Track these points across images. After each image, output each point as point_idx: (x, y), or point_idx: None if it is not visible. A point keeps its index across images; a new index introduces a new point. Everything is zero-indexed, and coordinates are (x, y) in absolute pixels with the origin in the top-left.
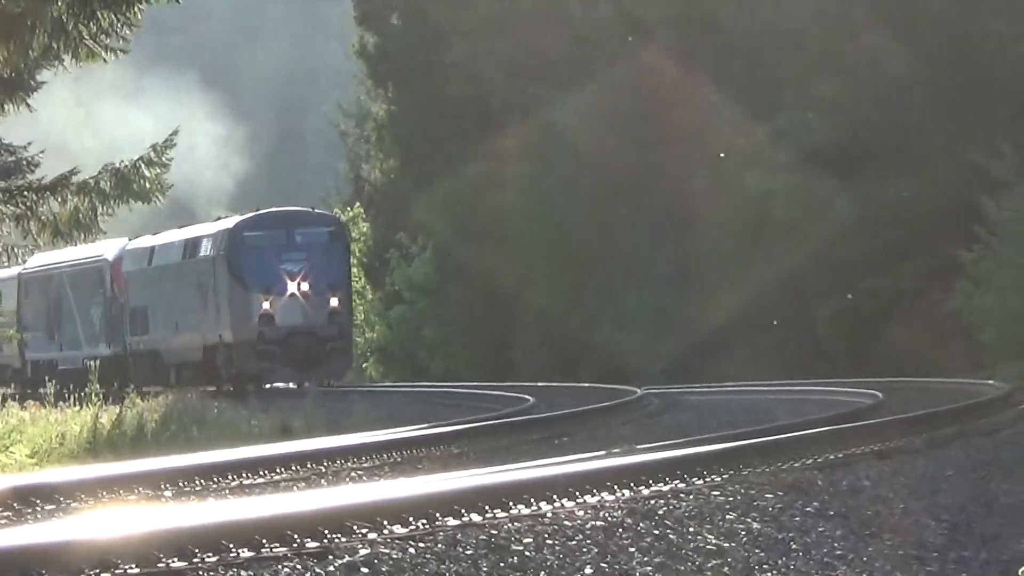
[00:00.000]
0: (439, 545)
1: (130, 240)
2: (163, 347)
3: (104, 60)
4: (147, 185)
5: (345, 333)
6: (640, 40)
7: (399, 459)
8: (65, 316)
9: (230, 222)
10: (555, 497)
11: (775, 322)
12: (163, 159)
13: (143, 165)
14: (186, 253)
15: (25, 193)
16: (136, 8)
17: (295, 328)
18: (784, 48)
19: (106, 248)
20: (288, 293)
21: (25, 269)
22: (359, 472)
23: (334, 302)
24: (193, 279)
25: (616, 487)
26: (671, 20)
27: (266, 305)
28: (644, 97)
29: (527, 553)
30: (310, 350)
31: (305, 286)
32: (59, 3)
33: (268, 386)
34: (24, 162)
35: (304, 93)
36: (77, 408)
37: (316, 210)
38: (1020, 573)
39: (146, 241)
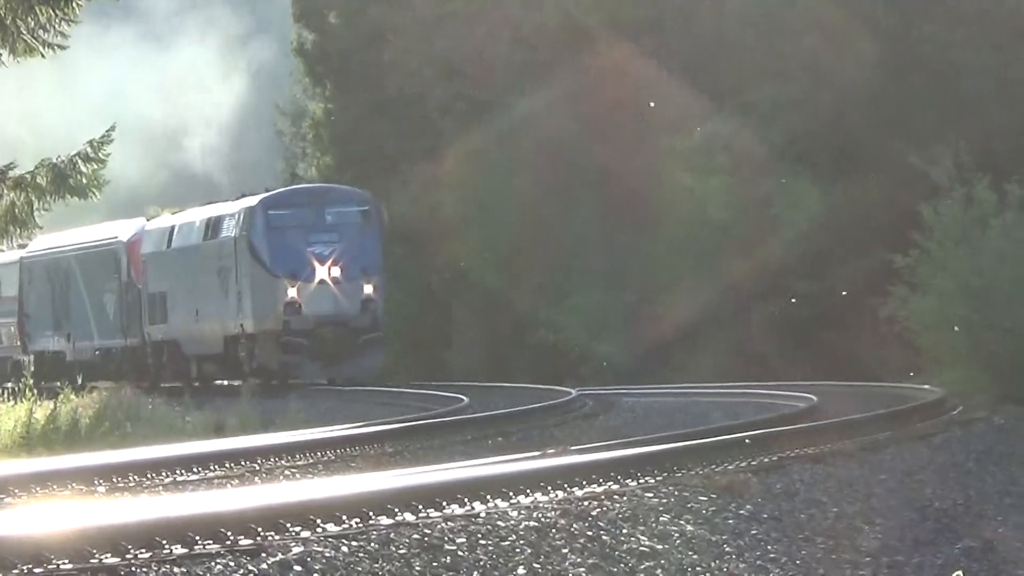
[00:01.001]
0: (372, 544)
1: (148, 220)
2: (183, 337)
3: (42, 55)
4: (84, 181)
5: (380, 324)
6: (582, 44)
7: (333, 458)
8: (75, 304)
9: (253, 199)
10: (488, 497)
11: (711, 325)
12: (100, 155)
13: (80, 161)
14: (207, 233)
15: None
16: (74, 4)
17: (324, 318)
18: (723, 53)
19: (121, 229)
20: (317, 279)
21: (28, 253)
22: (293, 470)
23: (368, 289)
24: (214, 262)
25: (549, 488)
26: (613, 24)
27: (292, 292)
28: (584, 99)
29: (460, 553)
30: (341, 343)
31: (336, 271)
32: None
33: (295, 382)
34: None
35: (250, 89)
36: (11, 403)
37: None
38: None
39: (165, 221)
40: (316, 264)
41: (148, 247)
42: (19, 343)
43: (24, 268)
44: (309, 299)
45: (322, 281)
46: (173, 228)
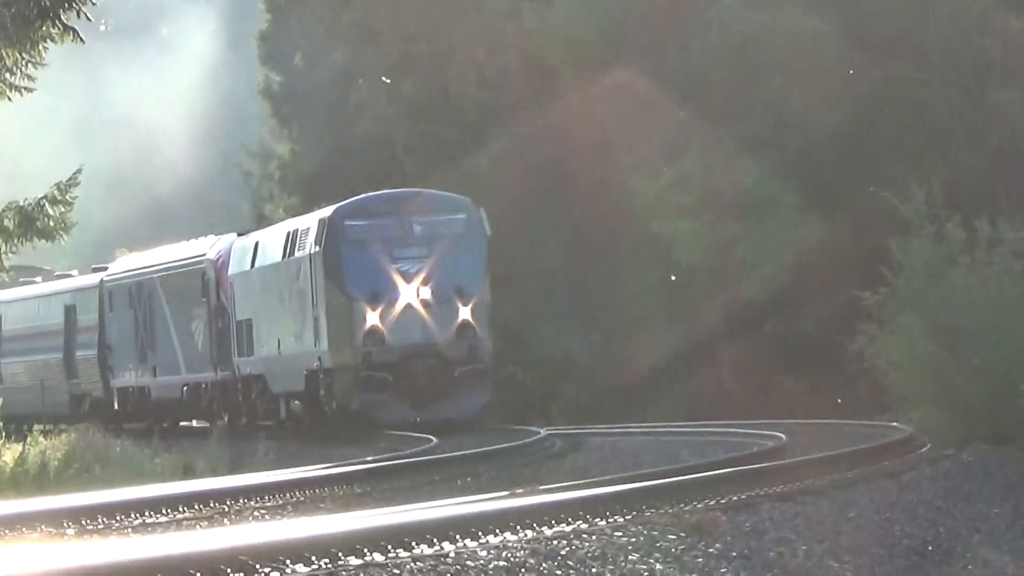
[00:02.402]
0: None
1: (239, 235)
2: (268, 372)
3: (8, 98)
4: (51, 223)
5: (481, 354)
6: (546, 84)
7: (302, 498)
8: (160, 333)
9: (329, 208)
10: (458, 537)
11: (679, 364)
12: (67, 197)
13: (47, 203)
14: (286, 250)
15: None
16: (41, 47)
17: (412, 348)
18: (691, 92)
19: (209, 246)
20: (402, 301)
21: (109, 275)
22: (262, 511)
23: (465, 312)
24: (293, 284)
25: (519, 527)
26: (578, 65)
27: (372, 318)
28: (550, 140)
29: None
30: (432, 377)
31: (426, 291)
32: None
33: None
34: None
35: (217, 130)
36: None
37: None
38: None
39: (253, 236)
40: (401, 284)
41: (235, 267)
42: (100, 378)
43: (104, 293)
44: (393, 326)
45: (409, 304)
46: (257, 245)
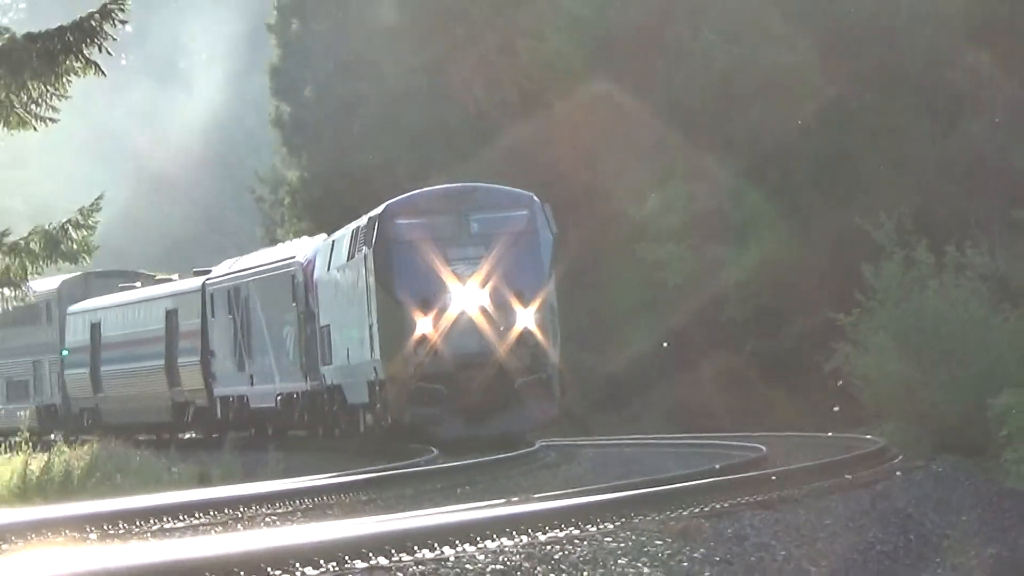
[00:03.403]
0: None
1: (327, 235)
2: (344, 383)
3: (34, 128)
4: (74, 246)
5: (543, 364)
6: (539, 112)
7: (311, 505)
8: (256, 339)
9: (382, 206)
10: (457, 542)
11: (666, 379)
12: (89, 221)
13: (71, 227)
14: (350, 250)
15: None
16: (64, 79)
17: (467, 358)
18: (674, 122)
19: (301, 248)
20: (457, 307)
21: (211, 278)
22: (273, 518)
23: (526, 318)
24: (354, 287)
25: (515, 533)
26: (568, 95)
27: (424, 325)
28: (540, 165)
29: None
30: (489, 389)
31: (483, 296)
32: None
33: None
34: None
35: (230, 157)
36: (8, 455)
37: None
38: None
39: (334, 235)
40: (456, 287)
41: (318, 269)
42: (203, 386)
43: (207, 297)
44: (447, 333)
45: (464, 310)
46: (333, 245)
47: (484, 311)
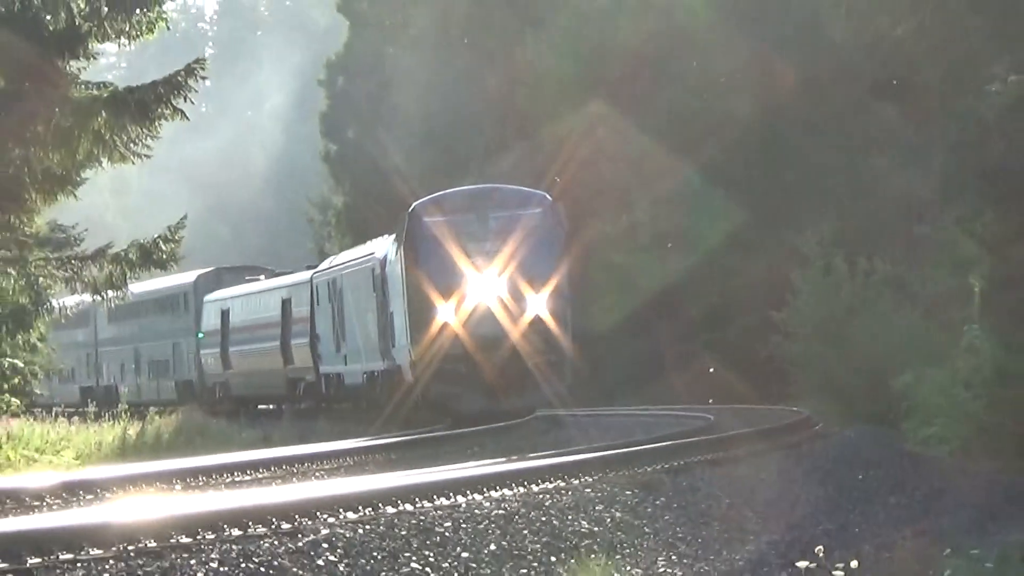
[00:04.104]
0: (381, 527)
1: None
2: (401, 363)
3: (132, 162)
4: (163, 256)
5: (554, 346)
6: (525, 130)
7: (351, 463)
8: (348, 324)
9: (412, 205)
10: (468, 492)
11: (637, 365)
12: (175, 236)
13: (161, 241)
14: (397, 246)
15: (73, 262)
16: (156, 124)
17: (485, 341)
18: (642, 160)
19: (379, 244)
20: (477, 295)
21: (316, 272)
22: (321, 472)
23: (537, 305)
24: (397, 279)
25: (514, 485)
26: (559, 134)
27: (446, 312)
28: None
29: (447, 534)
30: (505, 369)
31: (500, 285)
32: (99, 119)
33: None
34: (72, 238)
35: (287, 185)
36: (111, 423)
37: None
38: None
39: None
40: (476, 278)
41: (387, 263)
42: (312, 364)
43: (313, 288)
44: (467, 319)
45: (483, 298)
46: (392, 241)
47: (500, 299)
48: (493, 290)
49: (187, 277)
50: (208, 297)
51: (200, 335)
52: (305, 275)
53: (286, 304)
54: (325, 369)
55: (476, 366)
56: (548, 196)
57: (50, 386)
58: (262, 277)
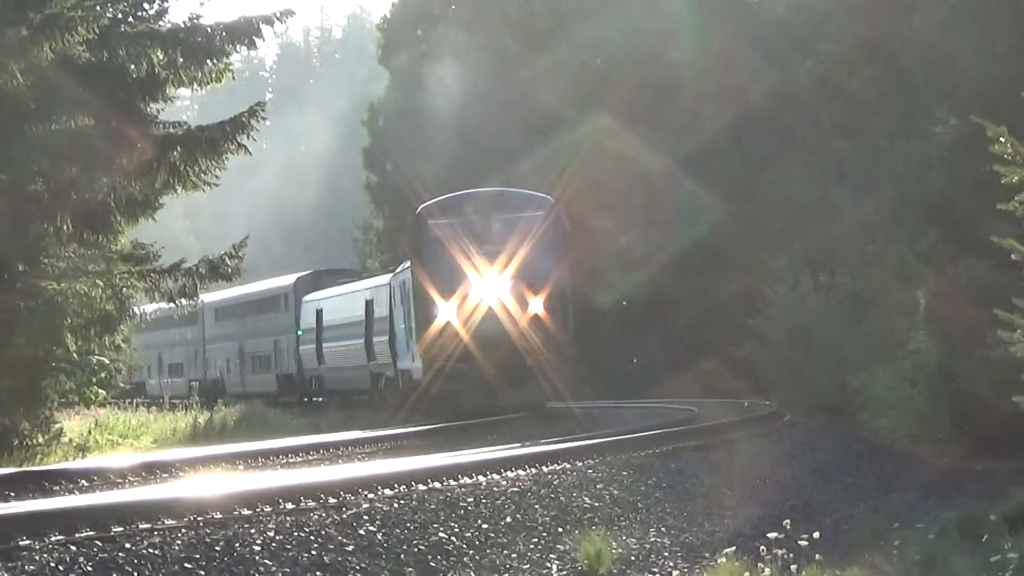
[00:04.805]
0: (413, 502)
1: None
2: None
3: (202, 190)
4: (229, 271)
5: (553, 345)
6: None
7: (389, 447)
8: (407, 324)
9: (418, 209)
10: (488, 472)
11: (633, 364)
12: (239, 253)
13: (226, 258)
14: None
15: (151, 275)
16: (224, 156)
17: (487, 340)
18: (632, 192)
19: None
20: (478, 295)
21: (395, 275)
22: (362, 455)
23: (537, 305)
24: (407, 282)
25: (527, 466)
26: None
27: (448, 312)
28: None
29: (469, 508)
30: (506, 367)
31: (501, 286)
32: (175, 153)
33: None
34: (151, 254)
35: (334, 210)
36: (184, 412)
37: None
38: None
39: None
40: (478, 279)
41: None
42: (391, 361)
43: (392, 290)
44: (469, 319)
45: (484, 298)
46: None
47: (502, 299)
48: (495, 290)
49: (287, 279)
50: (306, 297)
51: (299, 332)
52: (385, 278)
53: (369, 304)
54: (401, 366)
55: (478, 364)
56: (550, 198)
57: (161, 380)
58: (355, 280)
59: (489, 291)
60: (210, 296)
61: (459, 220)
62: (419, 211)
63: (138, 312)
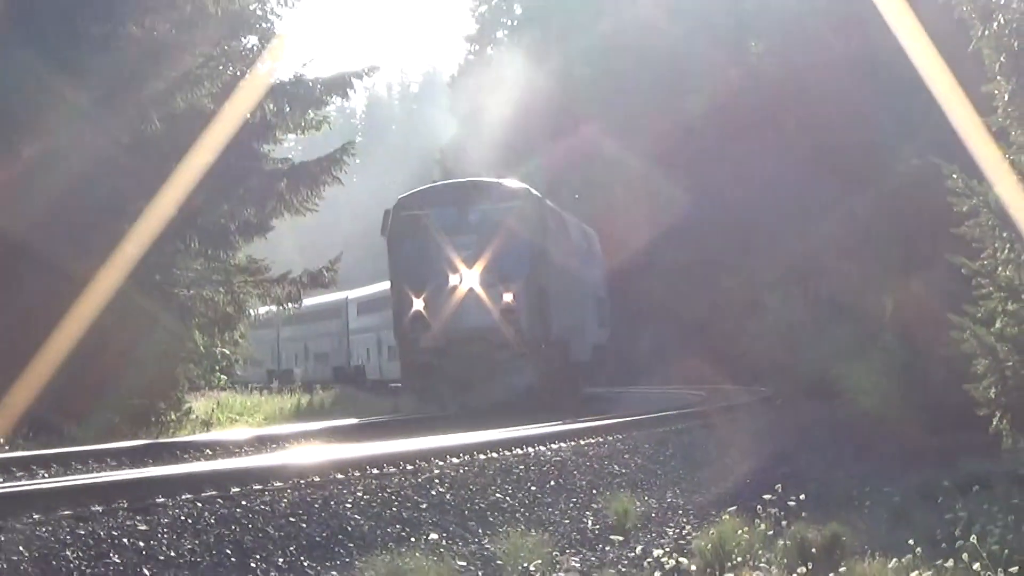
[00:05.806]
0: (475, 468)
1: None
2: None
3: (303, 215)
4: (326, 281)
5: (526, 338)
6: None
7: (453, 424)
8: None
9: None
10: (536, 444)
11: (653, 356)
12: (334, 266)
13: (324, 270)
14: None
15: (263, 284)
16: (321, 187)
17: (457, 333)
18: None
19: None
20: (450, 288)
21: None
22: (434, 430)
23: (509, 298)
24: None
25: (567, 440)
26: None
27: (418, 304)
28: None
29: (520, 473)
30: (476, 362)
31: (473, 278)
32: (282, 184)
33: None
34: (262, 267)
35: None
36: (289, 395)
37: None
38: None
39: None
40: (450, 270)
41: None
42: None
43: None
44: (439, 312)
45: (455, 290)
46: None
47: (473, 292)
48: (467, 283)
49: (343, 294)
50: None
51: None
52: None
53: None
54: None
55: (449, 359)
56: (531, 189)
57: (307, 367)
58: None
59: (462, 283)
60: (354, 293)
61: (434, 211)
62: (396, 203)
63: (252, 314)
